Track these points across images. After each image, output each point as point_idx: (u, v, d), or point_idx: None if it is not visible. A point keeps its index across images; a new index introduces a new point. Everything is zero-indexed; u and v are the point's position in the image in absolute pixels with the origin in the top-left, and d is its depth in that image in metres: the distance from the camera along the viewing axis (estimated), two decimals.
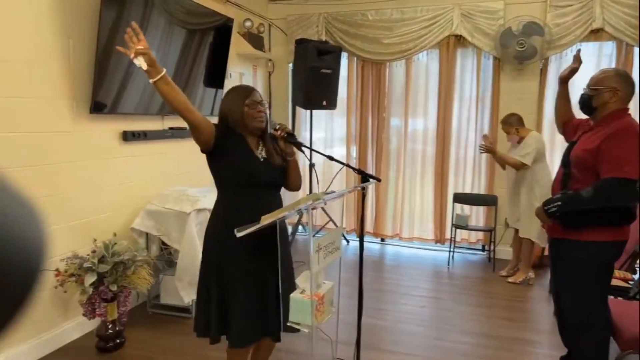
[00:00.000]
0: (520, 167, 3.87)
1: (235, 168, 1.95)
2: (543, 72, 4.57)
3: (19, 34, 2.53)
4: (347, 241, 5.25)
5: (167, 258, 3.48)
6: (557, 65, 4.57)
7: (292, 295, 1.89)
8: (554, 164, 4.60)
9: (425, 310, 3.57)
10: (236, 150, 1.96)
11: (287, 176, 2.07)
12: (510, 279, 4.17)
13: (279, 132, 1.96)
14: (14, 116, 2.53)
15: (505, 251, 4.71)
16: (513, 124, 4.00)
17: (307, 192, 5.07)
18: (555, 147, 4.61)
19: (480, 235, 4.94)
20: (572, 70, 2.41)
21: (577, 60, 2.43)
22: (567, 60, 4.49)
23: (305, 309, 1.84)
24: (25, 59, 2.57)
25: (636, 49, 4.28)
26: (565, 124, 2.51)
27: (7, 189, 0.38)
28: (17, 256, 0.36)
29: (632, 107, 4.53)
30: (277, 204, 2.04)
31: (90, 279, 2.57)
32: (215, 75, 4.17)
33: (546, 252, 4.49)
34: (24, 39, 2.56)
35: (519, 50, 4.38)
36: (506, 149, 4.15)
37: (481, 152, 4.21)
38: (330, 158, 2.18)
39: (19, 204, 0.38)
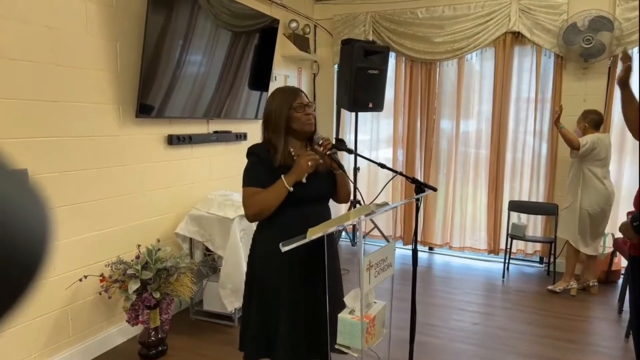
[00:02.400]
0: (575, 146, 3.67)
1: None
2: (612, 70, 4.19)
3: (69, 38, 2.53)
4: None
5: (211, 264, 3.43)
6: None
7: (340, 315, 1.75)
8: (623, 172, 4.23)
9: (479, 328, 3.32)
10: (278, 168, 1.82)
11: (336, 189, 1.95)
12: (549, 287, 3.97)
13: (322, 149, 1.84)
14: (63, 120, 2.54)
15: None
16: (585, 121, 3.79)
17: (351, 198, 4.92)
18: (624, 154, 4.23)
19: (538, 246, 4.60)
20: (627, 69, 2.18)
21: (627, 57, 2.21)
22: None
23: (355, 332, 1.70)
24: (73, 63, 2.57)
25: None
26: None
27: (8, 173, 0.37)
28: (18, 240, 0.35)
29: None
30: (325, 216, 1.91)
31: (133, 285, 2.53)
32: (260, 78, 4.10)
33: (614, 267, 4.15)
34: (74, 43, 2.56)
35: (584, 47, 4.04)
36: (567, 149, 3.87)
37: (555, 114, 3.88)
38: (382, 166, 2.02)
39: (19, 188, 0.37)
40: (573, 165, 3.85)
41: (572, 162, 3.86)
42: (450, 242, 4.94)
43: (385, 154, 5.19)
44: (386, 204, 1.84)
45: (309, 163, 1.77)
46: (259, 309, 1.90)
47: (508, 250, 4.36)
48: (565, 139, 3.75)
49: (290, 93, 1.89)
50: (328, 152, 1.85)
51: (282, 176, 1.77)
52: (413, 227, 2.02)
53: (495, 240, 4.70)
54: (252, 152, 1.88)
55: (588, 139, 3.67)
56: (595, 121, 3.76)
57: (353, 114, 4.81)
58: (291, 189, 1.77)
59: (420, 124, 4.96)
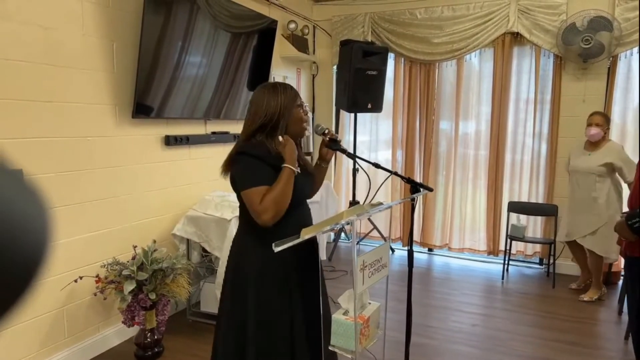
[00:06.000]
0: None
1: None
2: (611, 71, 4.17)
3: (64, 38, 2.53)
4: (392, 250, 5.03)
5: (208, 265, 3.42)
6: (626, 64, 4.16)
7: (334, 315, 1.74)
8: None
9: (477, 330, 3.30)
10: (274, 167, 1.72)
11: (313, 183, 1.93)
12: (585, 298, 3.81)
13: (327, 138, 1.86)
14: (58, 120, 2.53)
15: (566, 265, 4.35)
16: (608, 124, 3.73)
17: (350, 199, 4.91)
18: None
19: (538, 247, 4.58)
20: None
21: None
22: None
23: (349, 333, 1.68)
24: (69, 63, 2.57)
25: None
26: None
27: (8, 172, 0.37)
28: (18, 240, 0.35)
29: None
30: (308, 214, 1.90)
31: (129, 286, 2.52)
32: (259, 79, 4.08)
33: (614, 268, 4.12)
34: (69, 43, 2.56)
35: (584, 48, 4.02)
36: (567, 150, 3.78)
37: None
38: (377, 166, 2.01)
39: (20, 187, 0.37)
40: (606, 180, 3.66)
41: (603, 178, 3.66)
42: (450, 243, 4.92)
43: (384, 155, 5.18)
44: (380, 204, 1.82)
45: (293, 147, 1.73)
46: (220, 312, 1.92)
47: (507, 251, 4.34)
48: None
49: (292, 90, 1.80)
50: (329, 137, 1.86)
51: (284, 164, 1.68)
52: (412, 231, 2.00)
53: (495, 241, 4.68)
54: (248, 153, 1.71)
55: (625, 159, 3.59)
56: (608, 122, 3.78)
57: (352, 115, 4.80)
58: (297, 170, 1.73)
59: (420, 125, 4.94)
